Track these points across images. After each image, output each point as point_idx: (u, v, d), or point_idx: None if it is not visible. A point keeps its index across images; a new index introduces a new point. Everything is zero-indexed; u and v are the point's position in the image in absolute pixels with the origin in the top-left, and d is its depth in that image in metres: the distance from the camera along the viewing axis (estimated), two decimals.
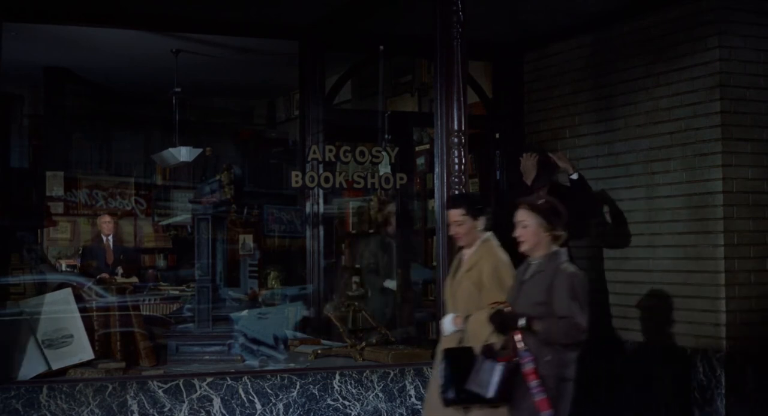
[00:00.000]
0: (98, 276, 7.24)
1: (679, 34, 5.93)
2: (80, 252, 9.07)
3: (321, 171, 6.34)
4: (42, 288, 6.26)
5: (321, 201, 6.92)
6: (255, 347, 5.71)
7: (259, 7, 6.15)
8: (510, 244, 4.14)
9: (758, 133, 5.75)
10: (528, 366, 3.76)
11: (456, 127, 5.16)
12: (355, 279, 6.71)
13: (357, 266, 7.31)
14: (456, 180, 5.14)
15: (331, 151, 6.41)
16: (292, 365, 5.42)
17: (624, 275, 6.29)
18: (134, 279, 8.61)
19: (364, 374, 5.14)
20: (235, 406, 5.17)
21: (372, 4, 6.19)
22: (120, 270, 9.09)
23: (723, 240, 5.62)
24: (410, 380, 5.17)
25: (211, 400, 5.18)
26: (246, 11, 6.26)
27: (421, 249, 7.71)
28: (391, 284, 7.09)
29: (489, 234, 4.41)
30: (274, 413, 5.08)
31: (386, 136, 6.83)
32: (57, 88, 8.91)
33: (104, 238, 8.76)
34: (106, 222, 8.76)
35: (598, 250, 6.50)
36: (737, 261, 5.64)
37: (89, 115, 9.71)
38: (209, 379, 5.19)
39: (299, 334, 6.27)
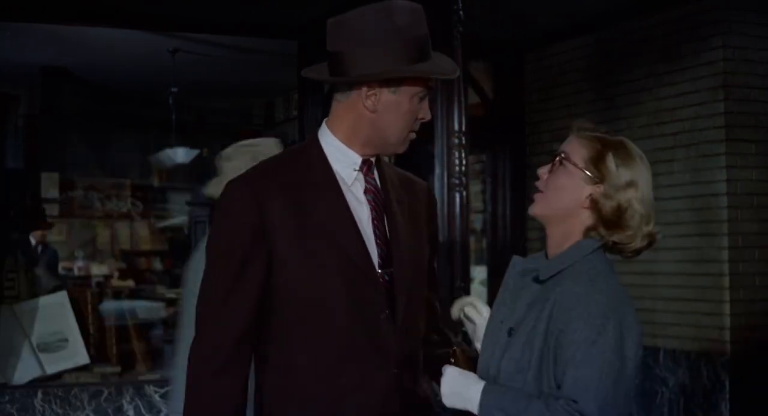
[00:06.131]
0: None
1: (682, 34, 5.87)
2: None
3: None
4: (36, 291, 6.21)
5: None
6: None
7: (258, 7, 6.10)
8: None
9: (763, 134, 5.69)
10: None
11: (456, 128, 5.09)
12: None
13: None
14: (456, 181, 5.07)
15: None
16: None
17: (626, 278, 6.23)
18: (130, 283, 8.58)
19: None
20: None
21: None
22: (116, 272, 9.07)
23: (727, 243, 5.56)
24: None
25: None
26: (245, 11, 6.20)
27: None
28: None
29: None
30: None
31: None
32: (53, 88, 8.84)
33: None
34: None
35: None
36: (742, 264, 5.57)
37: (86, 115, 9.65)
38: None
39: None
